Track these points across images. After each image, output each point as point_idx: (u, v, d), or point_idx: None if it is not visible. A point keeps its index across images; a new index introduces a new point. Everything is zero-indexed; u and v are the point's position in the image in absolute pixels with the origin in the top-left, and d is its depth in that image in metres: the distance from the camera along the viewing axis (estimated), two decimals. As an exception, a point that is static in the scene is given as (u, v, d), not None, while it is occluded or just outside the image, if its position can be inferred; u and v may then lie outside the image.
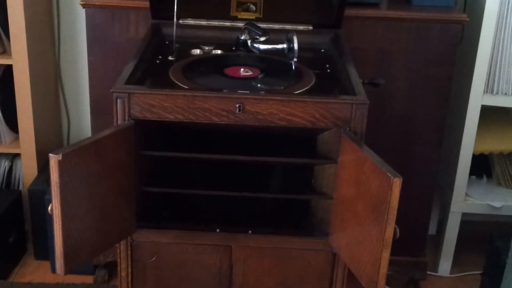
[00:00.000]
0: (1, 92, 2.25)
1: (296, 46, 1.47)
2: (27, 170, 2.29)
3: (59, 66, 2.46)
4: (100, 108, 2.02)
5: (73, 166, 1.17)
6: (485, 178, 2.32)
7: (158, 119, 1.30)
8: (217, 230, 1.39)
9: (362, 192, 1.21)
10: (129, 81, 1.34)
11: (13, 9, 2.12)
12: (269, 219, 1.47)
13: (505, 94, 2.08)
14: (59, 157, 1.13)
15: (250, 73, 1.47)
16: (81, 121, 2.52)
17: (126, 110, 1.30)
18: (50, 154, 1.13)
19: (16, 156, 2.35)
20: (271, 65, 1.52)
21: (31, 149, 2.26)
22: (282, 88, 1.41)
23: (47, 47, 2.37)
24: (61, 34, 2.42)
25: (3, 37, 2.20)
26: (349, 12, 1.82)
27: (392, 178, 1.11)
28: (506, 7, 2.00)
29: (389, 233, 1.14)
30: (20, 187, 2.35)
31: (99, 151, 1.22)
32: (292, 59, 1.49)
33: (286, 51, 1.51)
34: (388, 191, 1.12)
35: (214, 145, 1.40)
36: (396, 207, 1.13)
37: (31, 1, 2.17)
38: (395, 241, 1.18)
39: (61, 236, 1.16)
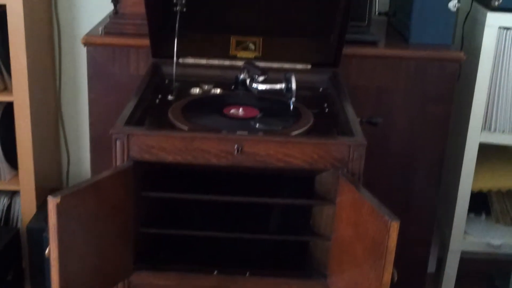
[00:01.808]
0: (1, 129, 2.26)
1: (294, 86, 1.48)
2: (26, 207, 2.28)
3: (59, 103, 2.47)
4: (100, 145, 2.02)
5: (72, 209, 1.17)
6: (483, 216, 2.32)
7: (157, 161, 1.31)
8: (215, 272, 1.38)
9: (360, 234, 1.21)
10: (128, 122, 1.35)
11: (15, 46, 2.14)
12: (268, 259, 1.46)
13: (503, 131, 2.09)
14: (58, 199, 1.13)
15: (248, 113, 1.48)
16: (81, 158, 2.53)
17: (125, 151, 1.30)
18: (48, 197, 1.13)
19: (15, 193, 2.35)
20: (270, 105, 1.53)
21: (31, 186, 2.27)
22: (281, 128, 1.41)
23: (48, 84, 2.38)
24: (62, 71, 2.44)
25: (5, 73, 2.22)
26: (347, 50, 1.83)
27: (389, 221, 1.11)
28: (503, 44, 2.03)
29: (386, 278, 1.13)
30: (19, 224, 2.34)
31: (98, 193, 1.22)
32: (291, 99, 1.50)
33: (284, 91, 1.52)
34: (385, 235, 1.12)
35: (214, 184, 1.40)
36: (394, 250, 1.13)
37: (33, 38, 2.20)
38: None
39: (57, 281, 1.15)
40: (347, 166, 1.30)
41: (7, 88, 2.24)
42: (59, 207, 1.13)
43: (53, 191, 1.20)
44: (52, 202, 1.13)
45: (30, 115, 2.21)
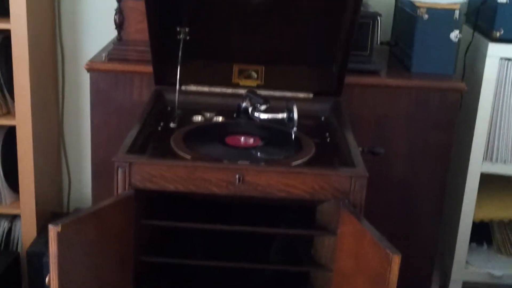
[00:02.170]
0: (3, 152, 2.26)
1: (296, 116, 1.49)
2: (26, 231, 2.28)
3: (62, 127, 2.48)
4: (102, 170, 2.03)
5: (72, 237, 1.17)
6: (485, 245, 2.31)
7: (158, 189, 1.31)
8: (215, 302, 1.38)
9: (361, 266, 1.21)
10: (130, 149, 1.35)
11: (18, 71, 2.15)
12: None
13: (504, 162, 2.09)
14: (59, 228, 1.13)
15: (250, 141, 1.49)
16: (82, 182, 2.53)
17: (127, 179, 1.30)
18: (49, 225, 1.13)
19: (16, 217, 2.34)
20: (272, 134, 1.54)
21: (31, 210, 2.26)
22: (282, 157, 1.42)
23: (50, 108, 2.39)
24: (65, 96, 2.45)
25: (8, 97, 2.23)
26: (349, 79, 1.84)
27: (391, 255, 1.11)
28: (504, 75, 2.03)
29: (388, 310, 1.13)
30: (19, 249, 2.33)
31: (99, 221, 1.22)
32: (292, 128, 1.50)
33: (286, 120, 1.53)
34: (387, 267, 1.11)
35: (215, 213, 1.40)
36: (396, 283, 1.12)
37: (37, 63, 2.21)
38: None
39: (58, 309, 1.15)
40: (349, 197, 1.30)
41: (10, 112, 2.25)
42: (60, 235, 1.13)
43: (54, 216, 1.20)
44: (53, 230, 1.13)
45: (32, 139, 2.21)
